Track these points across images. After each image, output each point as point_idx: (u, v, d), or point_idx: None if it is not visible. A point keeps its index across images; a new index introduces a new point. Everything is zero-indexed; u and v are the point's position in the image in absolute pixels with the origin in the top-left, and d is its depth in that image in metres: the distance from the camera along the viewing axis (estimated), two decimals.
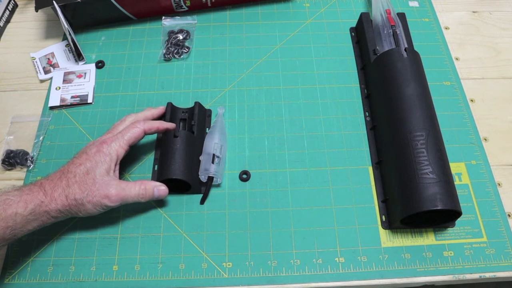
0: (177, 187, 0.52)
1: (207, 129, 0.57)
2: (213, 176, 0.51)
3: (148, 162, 0.56)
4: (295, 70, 0.63)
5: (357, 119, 0.59)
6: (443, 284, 0.51)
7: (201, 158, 0.52)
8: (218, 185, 0.54)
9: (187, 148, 0.52)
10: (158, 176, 0.52)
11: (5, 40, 0.68)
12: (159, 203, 0.53)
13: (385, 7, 0.61)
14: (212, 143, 0.53)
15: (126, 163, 0.55)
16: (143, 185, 0.48)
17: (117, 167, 0.49)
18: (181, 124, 0.56)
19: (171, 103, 0.56)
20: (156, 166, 0.55)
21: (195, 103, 0.56)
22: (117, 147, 0.48)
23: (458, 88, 0.62)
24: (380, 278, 0.49)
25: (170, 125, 0.53)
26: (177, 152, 0.51)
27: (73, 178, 0.46)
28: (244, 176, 0.54)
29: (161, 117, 0.56)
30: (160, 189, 0.49)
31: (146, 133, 0.51)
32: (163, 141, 0.54)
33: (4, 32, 0.68)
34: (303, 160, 0.56)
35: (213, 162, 0.52)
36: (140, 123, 0.51)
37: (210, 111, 0.59)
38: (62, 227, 0.52)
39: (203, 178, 0.52)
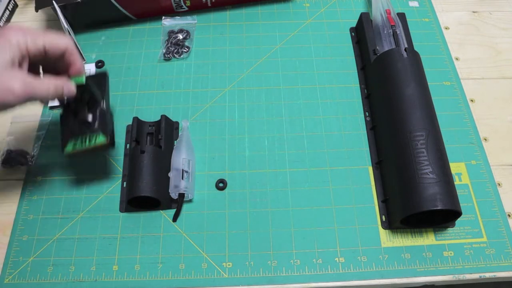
0: (148, 204, 0.51)
1: (175, 142, 0.55)
2: (184, 192, 0.51)
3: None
4: (295, 70, 0.63)
5: (357, 119, 0.59)
6: (443, 284, 0.51)
7: (170, 174, 0.52)
8: (190, 201, 0.53)
9: (155, 163, 0.51)
10: (127, 194, 0.51)
11: None
12: None
13: (385, 7, 0.61)
14: (180, 158, 0.52)
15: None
16: (52, 80, 0.42)
17: (26, 65, 0.41)
18: (148, 138, 0.55)
19: (137, 117, 0.55)
20: (124, 183, 0.54)
21: (162, 116, 0.55)
22: (30, 41, 0.40)
23: (458, 88, 0.62)
24: (380, 278, 0.49)
25: (80, 69, 0.45)
26: (145, 168, 0.50)
27: None
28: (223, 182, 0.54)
29: (128, 132, 0.56)
30: (70, 85, 0.43)
31: (65, 56, 0.43)
32: (130, 157, 0.53)
33: None
34: (303, 160, 0.56)
35: (182, 178, 0.51)
36: (68, 39, 0.44)
37: (177, 123, 0.58)
38: (62, 227, 0.52)
39: (174, 195, 0.51)
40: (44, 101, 0.42)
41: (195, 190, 0.54)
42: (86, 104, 0.48)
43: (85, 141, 0.47)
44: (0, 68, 0.37)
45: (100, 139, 0.48)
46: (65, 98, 0.45)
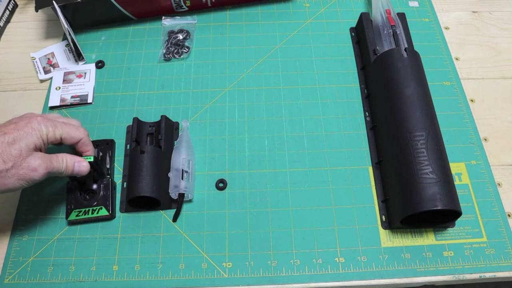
0: (148, 204, 0.52)
1: (175, 142, 0.55)
2: (184, 192, 0.51)
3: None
4: (295, 70, 0.63)
5: (357, 119, 0.59)
6: (443, 284, 0.51)
7: (169, 175, 0.52)
8: (190, 201, 0.53)
9: (155, 163, 0.51)
10: (127, 194, 0.51)
11: (5, 40, 0.68)
12: None
13: (385, 7, 0.61)
14: (180, 158, 0.52)
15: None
16: (65, 158, 0.46)
17: (44, 148, 0.46)
18: (148, 139, 0.56)
19: (137, 118, 0.55)
20: (125, 184, 0.54)
21: (162, 116, 0.56)
22: (51, 131, 0.45)
23: (458, 88, 0.62)
24: (380, 278, 0.49)
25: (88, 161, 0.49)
26: (145, 169, 0.50)
27: None
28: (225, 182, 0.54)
29: (128, 133, 0.57)
30: (81, 164, 0.47)
31: (78, 144, 0.48)
32: (130, 157, 0.53)
33: (4, 32, 0.68)
34: (303, 160, 0.56)
35: (182, 178, 0.51)
36: (83, 130, 0.49)
37: (177, 123, 0.58)
38: (62, 227, 0.52)
39: (173, 195, 0.51)
40: (62, 175, 0.47)
41: (195, 190, 0.54)
42: (92, 177, 0.51)
43: (88, 212, 0.50)
44: (26, 151, 0.43)
45: (102, 212, 0.51)
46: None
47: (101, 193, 0.51)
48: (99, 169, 0.51)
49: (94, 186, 0.51)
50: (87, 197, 0.51)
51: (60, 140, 0.47)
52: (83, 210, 0.50)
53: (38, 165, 0.43)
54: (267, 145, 0.57)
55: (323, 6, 0.70)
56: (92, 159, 0.49)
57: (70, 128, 0.48)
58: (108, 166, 0.54)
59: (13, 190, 0.44)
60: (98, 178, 0.52)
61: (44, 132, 0.45)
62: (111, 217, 0.51)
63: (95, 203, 0.51)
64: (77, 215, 0.50)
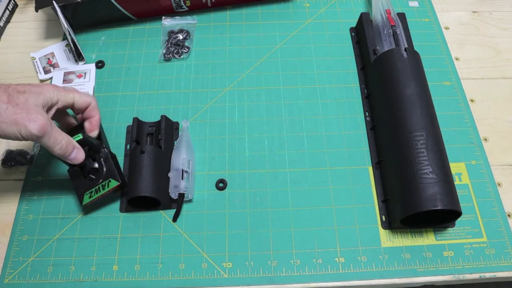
0: (148, 204, 0.52)
1: (175, 142, 0.55)
2: (184, 192, 0.51)
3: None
4: (295, 70, 0.63)
5: (357, 119, 0.59)
6: (443, 284, 0.51)
7: (169, 175, 0.52)
8: (190, 201, 0.53)
9: (155, 163, 0.51)
10: (127, 194, 0.51)
11: (5, 40, 0.68)
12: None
13: (385, 7, 0.61)
14: (180, 158, 0.52)
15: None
16: (68, 138, 0.47)
17: (52, 113, 0.47)
18: (148, 139, 0.55)
19: (137, 118, 0.55)
20: None
21: (162, 116, 0.56)
22: (62, 95, 0.47)
23: (458, 88, 0.62)
24: (380, 278, 0.49)
25: (98, 121, 0.51)
26: (145, 169, 0.50)
27: (4, 87, 0.43)
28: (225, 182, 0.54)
29: (128, 133, 0.56)
30: (79, 152, 0.48)
31: (87, 110, 0.50)
32: (130, 157, 0.53)
33: (4, 32, 0.68)
34: (303, 160, 0.56)
35: (182, 178, 0.51)
36: (93, 97, 0.51)
37: (177, 123, 0.58)
38: (62, 227, 0.52)
39: (173, 195, 0.51)
40: (54, 151, 0.46)
41: (195, 190, 0.54)
42: (88, 155, 0.50)
43: (99, 190, 0.50)
44: (32, 104, 0.43)
45: (113, 183, 0.50)
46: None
47: (105, 168, 0.51)
48: (90, 143, 0.50)
49: (96, 165, 0.51)
50: (93, 177, 0.51)
51: (73, 105, 0.49)
52: (93, 189, 0.50)
53: (37, 118, 0.43)
54: (267, 145, 0.57)
55: (323, 6, 0.70)
56: (81, 137, 0.48)
57: (81, 93, 0.50)
58: (102, 145, 0.53)
59: (6, 133, 0.42)
60: (94, 153, 0.51)
61: (55, 97, 0.46)
62: (122, 185, 0.50)
63: (103, 179, 0.50)
64: (90, 197, 0.50)
